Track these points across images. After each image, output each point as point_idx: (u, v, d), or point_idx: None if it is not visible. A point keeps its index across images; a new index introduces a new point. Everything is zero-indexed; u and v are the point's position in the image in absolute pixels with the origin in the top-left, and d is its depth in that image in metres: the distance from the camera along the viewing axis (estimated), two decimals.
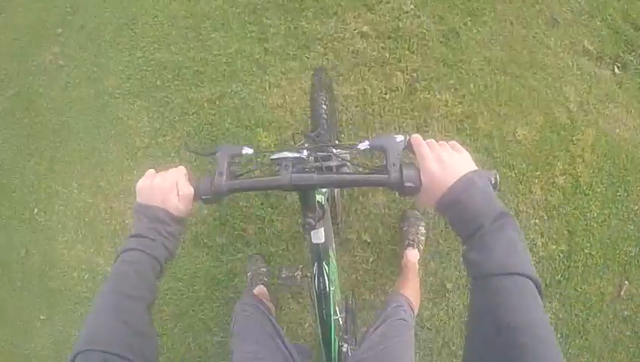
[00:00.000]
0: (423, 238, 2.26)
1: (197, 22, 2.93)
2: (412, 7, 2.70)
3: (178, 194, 0.84)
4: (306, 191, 0.97)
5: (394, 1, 2.72)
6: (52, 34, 3.68)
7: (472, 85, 2.54)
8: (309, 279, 1.29)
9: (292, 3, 2.77)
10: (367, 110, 2.49)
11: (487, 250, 0.65)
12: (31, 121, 3.20)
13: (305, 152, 0.91)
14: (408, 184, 0.75)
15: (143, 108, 2.80)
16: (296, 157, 0.87)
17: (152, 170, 0.90)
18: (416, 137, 0.80)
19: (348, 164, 1.00)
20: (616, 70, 2.58)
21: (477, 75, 2.55)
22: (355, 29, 2.65)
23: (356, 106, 2.49)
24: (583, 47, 2.62)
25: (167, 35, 2.97)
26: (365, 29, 2.63)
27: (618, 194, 2.42)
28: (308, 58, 2.60)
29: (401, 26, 2.63)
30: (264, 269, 2.35)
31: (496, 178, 0.76)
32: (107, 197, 2.84)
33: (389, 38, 2.62)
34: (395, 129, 2.48)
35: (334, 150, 0.99)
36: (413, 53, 2.57)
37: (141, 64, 2.94)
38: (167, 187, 0.84)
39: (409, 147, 0.80)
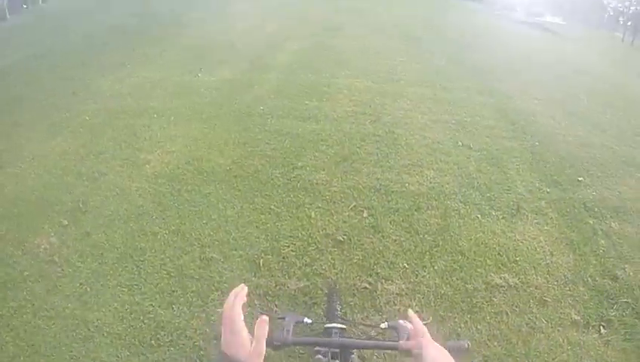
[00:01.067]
0: None
1: (205, 289, 3.14)
2: (417, 309, 2.94)
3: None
4: (345, 351, 1.31)
5: (400, 304, 2.99)
6: (56, 221, 3.85)
7: None
8: None
9: (303, 296, 3.04)
10: None
11: None
12: (3, 302, 3.11)
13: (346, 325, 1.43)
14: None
15: None
16: (342, 328, 1.39)
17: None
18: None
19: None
20: (602, 331, 2.82)
21: None
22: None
23: None
24: (571, 319, 2.89)
25: (172, 292, 3.14)
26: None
27: None
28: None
29: None
30: None
31: (468, 345, 1.13)
32: None
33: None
34: None
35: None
36: None
37: (138, 314, 3.01)
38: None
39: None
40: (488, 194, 4.00)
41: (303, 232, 3.52)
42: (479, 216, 3.75)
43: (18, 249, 3.69)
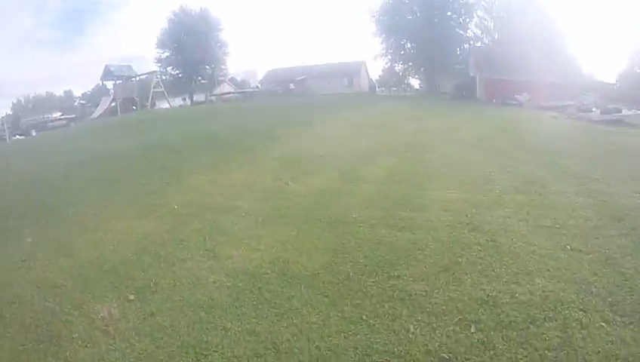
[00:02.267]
0: None
1: None
2: None
3: None
4: None
5: None
6: (122, 294, 3.99)
7: None
8: None
9: None
10: None
11: None
12: (44, 356, 3.16)
13: None
14: None
15: None
16: None
17: None
18: None
19: None
20: None
21: None
22: None
23: None
24: None
25: None
26: None
27: None
28: None
29: None
30: None
31: None
32: None
33: None
34: None
35: None
36: None
37: None
38: None
39: None
40: (610, 299, 3.60)
41: (400, 348, 3.15)
42: (604, 324, 3.33)
43: (76, 309, 3.78)
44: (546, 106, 21.51)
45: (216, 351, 3.19)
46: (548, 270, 4.04)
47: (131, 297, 3.90)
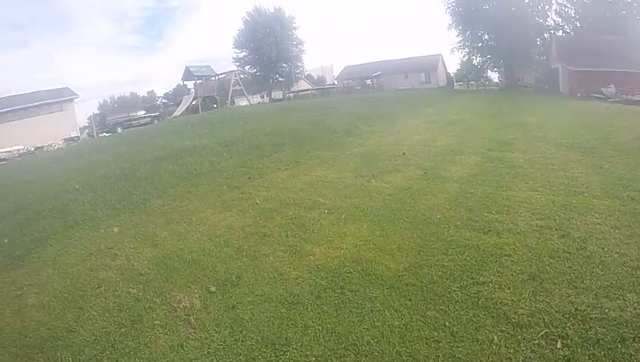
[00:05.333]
0: None
1: None
2: None
3: None
4: None
5: None
6: (204, 285, 4.16)
7: None
8: None
9: None
10: None
11: None
12: (123, 339, 3.40)
13: None
14: None
15: None
16: None
17: None
18: None
19: None
20: None
21: None
22: None
23: None
24: None
25: None
26: None
27: None
28: None
29: None
30: None
31: None
32: None
33: None
34: None
35: None
36: None
37: None
38: None
39: None
40: None
41: (483, 359, 3.02)
42: None
43: (158, 297, 3.98)
44: (635, 100, 19.89)
45: (295, 349, 3.21)
46: None
47: (213, 289, 4.02)
